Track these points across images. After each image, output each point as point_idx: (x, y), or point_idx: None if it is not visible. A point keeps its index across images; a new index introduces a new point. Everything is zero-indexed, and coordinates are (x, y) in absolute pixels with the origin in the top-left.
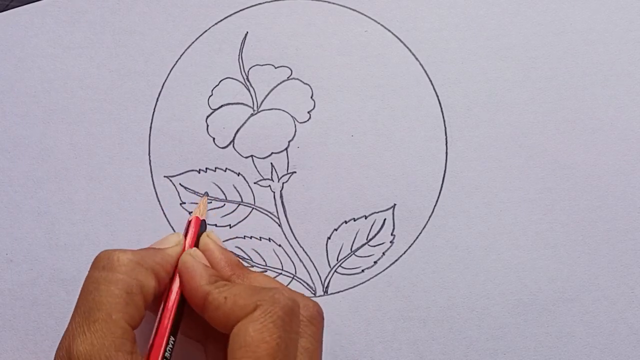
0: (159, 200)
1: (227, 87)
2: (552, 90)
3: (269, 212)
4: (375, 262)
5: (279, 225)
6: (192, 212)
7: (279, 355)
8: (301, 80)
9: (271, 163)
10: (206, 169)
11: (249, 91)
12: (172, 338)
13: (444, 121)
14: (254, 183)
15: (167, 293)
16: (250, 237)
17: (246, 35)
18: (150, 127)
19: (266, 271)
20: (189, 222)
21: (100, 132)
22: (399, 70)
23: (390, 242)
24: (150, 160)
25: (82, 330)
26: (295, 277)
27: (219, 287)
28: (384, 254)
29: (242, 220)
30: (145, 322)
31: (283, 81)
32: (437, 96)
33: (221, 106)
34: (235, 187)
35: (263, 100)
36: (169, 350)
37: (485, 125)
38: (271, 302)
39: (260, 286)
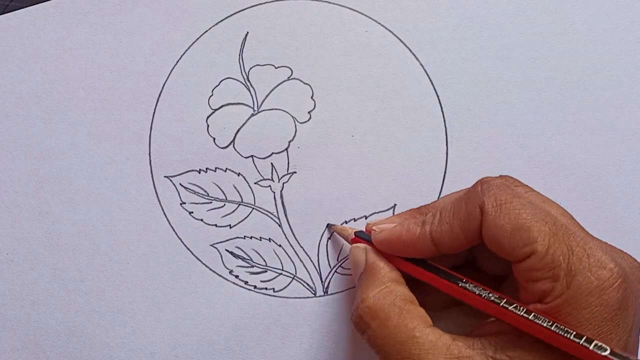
0: (159, 200)
1: (228, 87)
2: (552, 90)
3: (269, 212)
4: None
5: (279, 225)
6: (349, 234)
7: (536, 212)
8: (301, 81)
9: (271, 163)
10: (206, 169)
11: (250, 91)
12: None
13: (444, 121)
14: (254, 183)
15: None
16: (251, 237)
17: (246, 35)
18: (151, 127)
19: (266, 271)
20: (354, 239)
21: (101, 132)
22: (399, 70)
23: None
24: (150, 160)
25: None
26: (295, 277)
27: (431, 222)
28: None
29: (243, 220)
30: None
31: (283, 81)
32: (438, 96)
33: (222, 106)
34: (235, 187)
35: (263, 101)
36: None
37: (485, 125)
38: (488, 191)
39: (457, 196)
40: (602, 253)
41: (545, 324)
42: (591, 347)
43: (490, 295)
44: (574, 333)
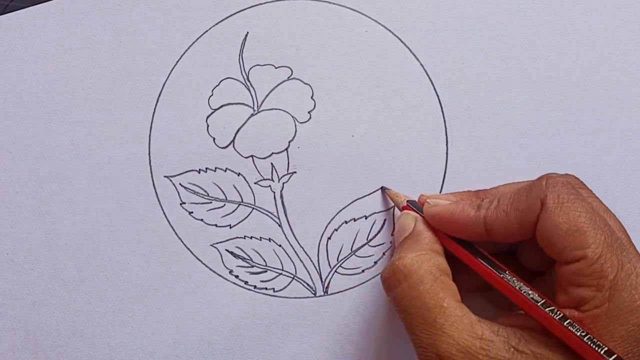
0: (159, 200)
1: (228, 87)
2: (552, 90)
3: (269, 212)
4: (375, 263)
5: (279, 225)
6: (402, 202)
7: (596, 218)
8: (301, 80)
9: (271, 163)
10: (206, 169)
11: (250, 91)
12: (504, 273)
13: (444, 121)
14: (254, 183)
15: (464, 253)
16: (251, 237)
17: (247, 35)
18: (151, 127)
19: (266, 271)
20: (405, 206)
21: (101, 132)
22: (399, 70)
23: (391, 242)
24: (150, 160)
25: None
26: (295, 277)
27: (487, 207)
28: (384, 254)
29: (243, 220)
30: None
31: (283, 81)
32: (438, 96)
33: (221, 106)
34: (235, 187)
35: (263, 100)
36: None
37: (486, 125)
38: (553, 186)
39: (519, 186)
40: None
41: (578, 333)
42: None
43: (530, 292)
44: (605, 349)
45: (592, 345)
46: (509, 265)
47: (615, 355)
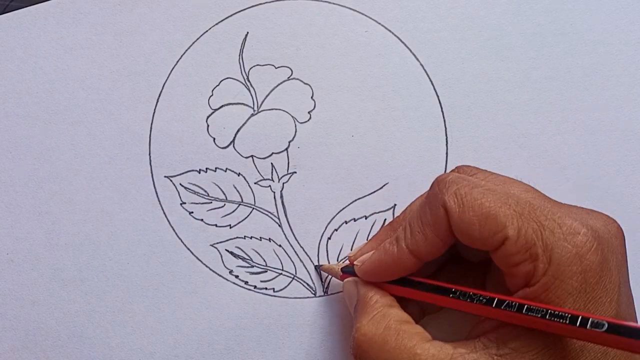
0: (159, 200)
1: (228, 87)
2: (552, 90)
3: (269, 212)
4: None
5: (279, 226)
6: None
7: (496, 197)
8: (301, 81)
9: (271, 163)
10: (206, 169)
11: (250, 91)
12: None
13: (444, 121)
14: (255, 183)
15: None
16: (251, 237)
17: (247, 35)
18: (151, 127)
19: (266, 271)
20: (343, 275)
21: (101, 132)
22: (399, 70)
23: None
24: (150, 160)
25: None
26: (295, 277)
27: (404, 237)
28: None
29: (243, 220)
30: None
31: (283, 81)
32: (438, 96)
33: (222, 106)
34: (235, 187)
35: (263, 101)
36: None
37: (486, 125)
38: (446, 188)
39: (419, 202)
40: (572, 220)
41: (539, 315)
42: (588, 327)
43: (481, 298)
44: (569, 316)
45: (556, 319)
46: (460, 265)
47: (581, 317)
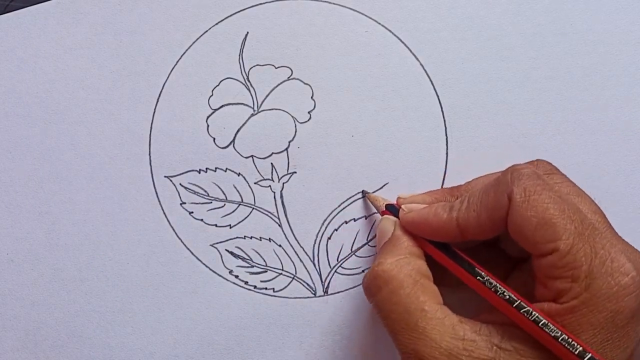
0: (159, 200)
1: (228, 87)
2: (552, 90)
3: (269, 212)
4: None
5: (279, 226)
6: (381, 207)
7: (565, 207)
8: (301, 81)
9: (271, 163)
10: (206, 169)
11: (250, 91)
12: (479, 274)
13: (444, 121)
14: (254, 183)
15: (440, 255)
16: (251, 237)
17: (247, 35)
18: (151, 127)
19: (266, 271)
20: (384, 211)
21: (101, 132)
22: (399, 70)
23: None
24: (150, 160)
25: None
26: (295, 277)
27: (459, 209)
28: None
29: (243, 220)
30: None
31: (283, 81)
32: (438, 96)
33: (222, 106)
34: (235, 187)
35: (263, 101)
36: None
37: (486, 125)
38: (518, 180)
39: (487, 182)
40: (625, 259)
41: (553, 334)
42: None
43: (505, 293)
44: (580, 349)
45: (566, 345)
46: (493, 253)
47: (590, 355)
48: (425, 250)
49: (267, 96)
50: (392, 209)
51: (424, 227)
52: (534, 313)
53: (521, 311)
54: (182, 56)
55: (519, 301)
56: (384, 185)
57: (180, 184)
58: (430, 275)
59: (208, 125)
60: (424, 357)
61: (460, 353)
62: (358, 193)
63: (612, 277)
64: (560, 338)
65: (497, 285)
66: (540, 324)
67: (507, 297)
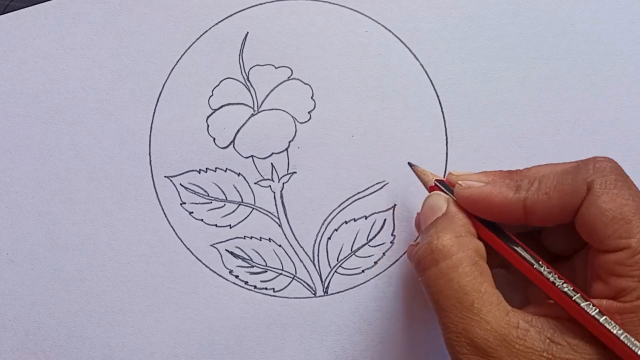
0: (159, 200)
1: (228, 87)
2: (552, 90)
3: (269, 212)
4: (375, 263)
5: (279, 226)
6: (430, 181)
7: None
8: (301, 81)
9: (271, 163)
10: (206, 169)
11: (250, 91)
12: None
13: (444, 121)
14: (255, 183)
15: (491, 237)
16: (251, 237)
17: (247, 35)
18: (151, 127)
19: (266, 272)
20: (433, 187)
21: (101, 132)
22: (399, 71)
23: (391, 242)
24: (150, 161)
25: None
26: (295, 278)
27: (528, 189)
28: (384, 254)
29: (243, 220)
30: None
31: (283, 81)
32: (438, 96)
33: (222, 106)
34: (235, 187)
35: (263, 101)
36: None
37: (486, 125)
38: (601, 171)
39: (562, 168)
40: None
41: (615, 331)
42: None
43: (564, 285)
44: None
45: (628, 344)
46: (531, 245)
47: None
48: (478, 231)
49: (267, 96)
50: (443, 185)
51: (484, 205)
52: (594, 308)
53: (581, 305)
54: (182, 56)
55: (579, 294)
56: (384, 185)
57: (180, 184)
58: (486, 258)
59: (208, 125)
60: (475, 338)
61: (513, 341)
62: (358, 193)
63: None
64: (623, 336)
65: (556, 277)
66: (601, 320)
67: (566, 289)
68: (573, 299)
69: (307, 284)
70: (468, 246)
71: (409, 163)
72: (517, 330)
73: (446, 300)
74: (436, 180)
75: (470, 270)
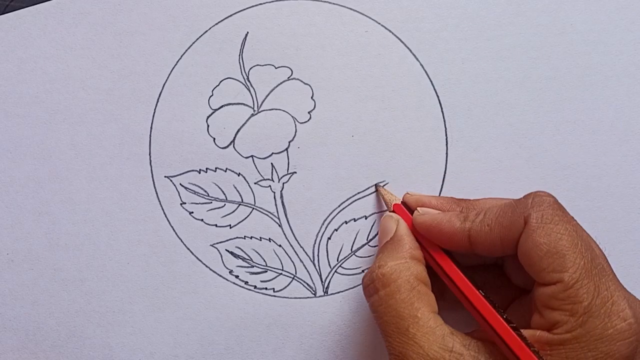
0: (159, 200)
1: (228, 87)
2: (552, 90)
3: (269, 212)
4: None
5: (279, 226)
6: (389, 201)
7: (578, 242)
8: (301, 81)
9: (271, 163)
10: (206, 169)
11: (250, 91)
12: (479, 291)
13: (444, 121)
14: (255, 183)
15: (436, 264)
16: (251, 237)
17: (247, 35)
18: (151, 128)
19: (266, 272)
20: (393, 210)
21: (101, 133)
22: (399, 71)
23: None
24: (150, 161)
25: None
26: (295, 278)
27: (473, 220)
28: None
29: (243, 220)
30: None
31: (283, 81)
32: (438, 96)
33: (222, 106)
34: (235, 188)
35: (263, 101)
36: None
37: (486, 125)
38: (538, 205)
39: (505, 201)
40: (627, 305)
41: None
42: None
43: (498, 309)
44: None
45: None
46: (497, 278)
47: None
48: (425, 257)
49: (267, 96)
50: (405, 207)
51: (436, 232)
52: (523, 336)
53: (510, 330)
54: (182, 56)
55: (505, 318)
56: (384, 186)
57: (180, 184)
58: (429, 282)
59: (208, 125)
60: None
61: None
62: (358, 193)
63: (609, 319)
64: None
65: (493, 303)
66: (531, 348)
67: (500, 315)
68: (488, 318)
69: (307, 284)
70: (407, 273)
71: (375, 185)
72: (451, 353)
73: (386, 326)
74: (395, 204)
75: (407, 297)
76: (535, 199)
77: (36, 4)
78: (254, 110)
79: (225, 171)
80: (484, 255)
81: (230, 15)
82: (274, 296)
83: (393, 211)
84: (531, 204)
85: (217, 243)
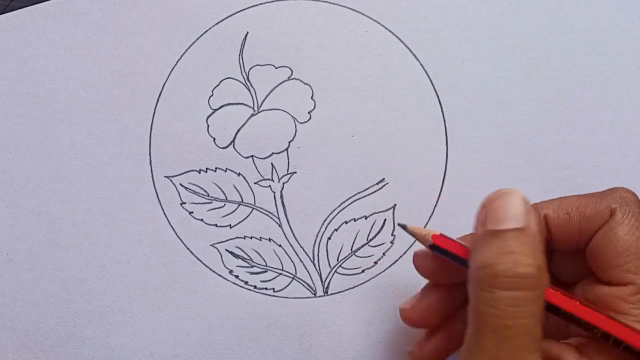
0: (159, 200)
1: (228, 87)
2: (552, 90)
3: (269, 212)
4: (375, 263)
5: (279, 226)
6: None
7: None
8: (301, 81)
9: (271, 163)
10: (206, 169)
11: (250, 91)
12: None
13: (444, 121)
14: (255, 183)
15: None
16: (251, 237)
17: (247, 35)
18: (151, 127)
19: (266, 271)
20: (433, 243)
21: (101, 132)
22: (399, 71)
23: (391, 242)
24: (150, 161)
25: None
26: (295, 278)
27: (547, 206)
28: (384, 254)
29: (243, 220)
30: None
31: (283, 81)
32: (438, 96)
33: (222, 106)
34: (235, 187)
35: (263, 101)
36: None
37: (486, 125)
38: (625, 201)
39: (581, 195)
40: None
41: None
42: None
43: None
44: None
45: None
46: None
47: None
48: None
49: (267, 96)
50: (447, 238)
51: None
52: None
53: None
54: (182, 56)
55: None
56: (384, 185)
57: (180, 184)
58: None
59: (208, 125)
60: None
61: None
62: (358, 193)
63: None
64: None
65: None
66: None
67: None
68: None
69: (307, 284)
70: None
71: (399, 224)
72: None
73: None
74: (433, 234)
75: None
76: (622, 194)
77: (36, 3)
78: (254, 110)
79: (225, 171)
80: (555, 245)
81: (230, 15)
82: (274, 296)
83: (434, 245)
84: (620, 198)
85: (217, 243)
